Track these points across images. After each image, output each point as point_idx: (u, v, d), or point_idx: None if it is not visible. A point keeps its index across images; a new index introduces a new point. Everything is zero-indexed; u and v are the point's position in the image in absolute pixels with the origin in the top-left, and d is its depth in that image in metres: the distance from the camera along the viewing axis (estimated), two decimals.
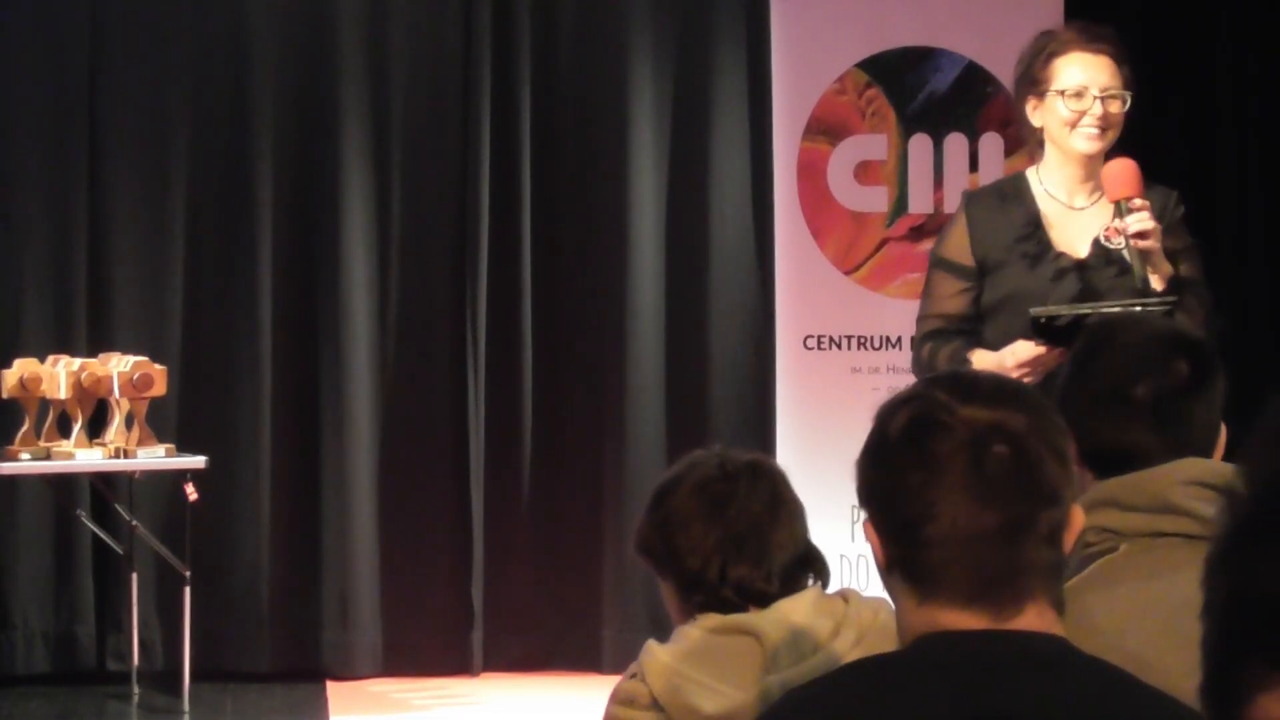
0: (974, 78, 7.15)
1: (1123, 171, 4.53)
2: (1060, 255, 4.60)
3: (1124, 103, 4.59)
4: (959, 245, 4.70)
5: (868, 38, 7.17)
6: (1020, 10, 7.04)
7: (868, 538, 2.14)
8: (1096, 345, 3.00)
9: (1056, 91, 4.59)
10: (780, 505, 2.96)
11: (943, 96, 7.17)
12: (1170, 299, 4.38)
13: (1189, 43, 7.61)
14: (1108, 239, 4.58)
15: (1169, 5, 7.58)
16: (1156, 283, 4.46)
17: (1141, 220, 4.44)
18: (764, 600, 2.89)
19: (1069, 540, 2.12)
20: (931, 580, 2.07)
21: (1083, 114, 4.58)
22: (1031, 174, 4.73)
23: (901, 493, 2.09)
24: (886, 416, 2.13)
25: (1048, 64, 4.61)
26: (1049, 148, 4.68)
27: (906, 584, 2.10)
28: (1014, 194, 4.72)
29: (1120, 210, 4.48)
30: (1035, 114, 4.66)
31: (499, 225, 7.75)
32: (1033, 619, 2.07)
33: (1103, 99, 4.57)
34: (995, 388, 2.15)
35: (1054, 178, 4.69)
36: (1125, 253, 4.51)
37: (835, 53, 7.10)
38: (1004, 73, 7.07)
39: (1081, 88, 4.57)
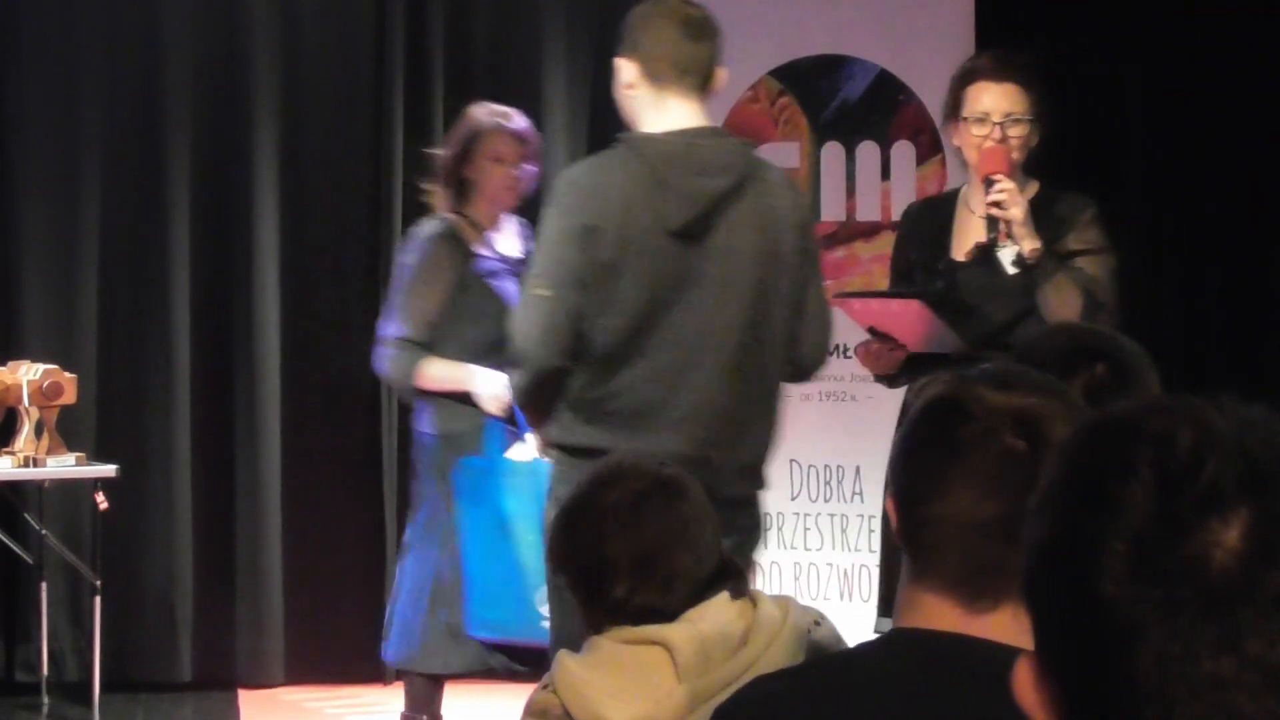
0: (886, 86, 7.17)
1: (991, 153, 4.88)
2: (949, 260, 5.02)
3: (1027, 127, 4.93)
4: (897, 246, 5.26)
5: (780, 46, 7.19)
6: (931, 19, 7.09)
7: (887, 508, 2.17)
8: (1024, 354, 3.04)
9: (965, 118, 4.96)
10: (685, 527, 2.94)
11: (855, 105, 7.20)
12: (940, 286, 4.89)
13: (1098, 51, 7.66)
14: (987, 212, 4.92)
15: (1077, 15, 7.62)
16: (1025, 248, 4.81)
17: (1000, 191, 4.80)
18: (665, 619, 2.89)
19: None
20: (925, 558, 2.09)
21: (985, 138, 4.93)
22: (965, 187, 5.14)
23: (918, 466, 2.11)
24: (922, 394, 2.17)
25: (961, 92, 4.98)
26: (969, 166, 5.05)
27: (907, 557, 2.12)
28: (942, 202, 5.22)
29: (988, 186, 4.85)
30: (955, 137, 5.05)
31: None
32: (1007, 620, 2.07)
33: (1004, 124, 4.91)
34: (1037, 380, 2.16)
35: (971, 191, 5.08)
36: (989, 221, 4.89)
37: (748, 61, 7.10)
38: (915, 81, 7.13)
39: (984, 114, 4.93)
